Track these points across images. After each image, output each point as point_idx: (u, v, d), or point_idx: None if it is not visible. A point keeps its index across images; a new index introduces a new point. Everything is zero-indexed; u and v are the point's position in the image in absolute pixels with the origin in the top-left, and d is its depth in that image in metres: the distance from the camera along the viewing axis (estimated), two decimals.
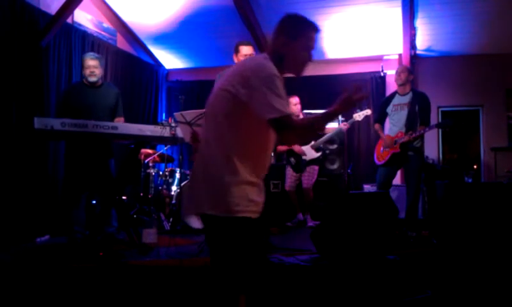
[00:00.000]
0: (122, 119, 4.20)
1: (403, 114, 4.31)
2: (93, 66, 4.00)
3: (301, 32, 1.83)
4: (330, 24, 6.22)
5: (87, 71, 4.00)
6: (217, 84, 1.82)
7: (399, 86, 4.41)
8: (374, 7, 5.81)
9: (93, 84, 4.04)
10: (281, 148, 5.29)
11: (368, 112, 5.07)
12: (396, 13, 5.79)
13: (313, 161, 5.27)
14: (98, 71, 4.04)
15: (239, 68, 1.75)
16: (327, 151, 5.84)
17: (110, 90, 4.20)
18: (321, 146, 5.34)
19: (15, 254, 3.51)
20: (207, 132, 1.79)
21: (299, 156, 5.25)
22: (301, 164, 5.26)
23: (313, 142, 5.24)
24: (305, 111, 5.57)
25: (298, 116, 5.24)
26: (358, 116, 5.08)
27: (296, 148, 5.20)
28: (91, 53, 4.29)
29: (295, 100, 5.20)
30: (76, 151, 3.91)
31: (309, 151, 5.26)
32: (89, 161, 3.89)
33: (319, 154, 5.28)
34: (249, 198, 1.70)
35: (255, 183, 1.75)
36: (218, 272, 1.70)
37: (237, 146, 1.69)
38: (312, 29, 1.85)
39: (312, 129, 1.76)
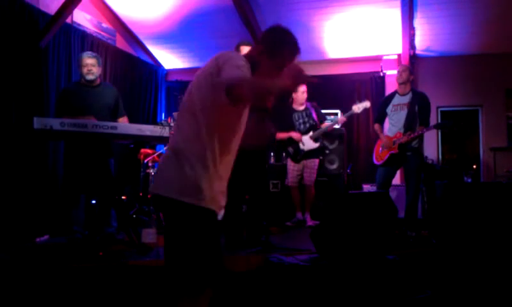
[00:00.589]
0: (125, 118, 4.19)
1: (402, 114, 4.31)
2: (90, 64, 3.97)
3: (281, 52, 1.80)
4: (330, 24, 6.22)
5: (84, 70, 3.98)
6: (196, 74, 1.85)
7: (400, 84, 4.41)
8: (373, 7, 5.82)
9: (90, 83, 4.01)
10: (281, 135, 5.30)
11: (367, 104, 5.04)
12: (395, 13, 5.80)
13: (312, 154, 5.27)
14: (96, 70, 4.01)
15: (215, 59, 1.76)
16: (327, 151, 5.84)
17: (108, 90, 4.17)
18: (320, 140, 5.32)
19: (15, 254, 3.51)
20: (179, 119, 1.82)
21: (297, 145, 5.26)
22: (299, 154, 5.26)
23: (311, 133, 5.25)
24: None
25: (302, 104, 5.32)
26: (357, 108, 5.07)
27: (295, 135, 5.22)
28: (89, 52, 4.28)
29: (302, 88, 5.25)
30: (75, 151, 3.90)
31: (307, 141, 5.26)
32: (89, 161, 3.88)
33: (317, 145, 5.28)
34: (205, 189, 1.70)
35: (219, 177, 1.77)
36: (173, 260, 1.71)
37: (205, 134, 1.70)
38: (294, 53, 1.82)
39: (261, 85, 1.68)
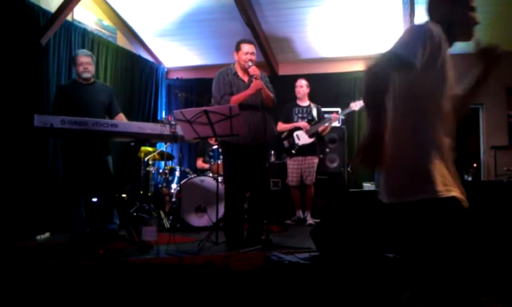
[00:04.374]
0: (122, 115, 4.25)
1: None
2: (86, 62, 4.03)
3: None
4: (329, 22, 6.21)
5: (80, 68, 4.04)
6: None
7: None
8: (374, 4, 5.81)
9: (86, 81, 4.08)
10: (286, 126, 5.34)
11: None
12: (396, 10, 5.78)
13: (308, 150, 5.26)
14: (91, 68, 4.08)
15: None
16: (327, 150, 5.84)
17: (103, 88, 4.26)
18: (315, 138, 5.32)
19: (15, 252, 3.51)
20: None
21: (292, 139, 5.29)
22: (293, 148, 5.28)
23: (308, 127, 5.28)
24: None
25: (301, 99, 5.45)
26: (355, 105, 5.09)
27: (302, 124, 5.28)
28: (84, 50, 4.35)
29: (300, 83, 5.43)
30: (73, 149, 3.92)
31: (302, 135, 5.28)
32: (86, 158, 3.89)
33: (312, 140, 5.28)
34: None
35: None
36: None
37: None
38: None
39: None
